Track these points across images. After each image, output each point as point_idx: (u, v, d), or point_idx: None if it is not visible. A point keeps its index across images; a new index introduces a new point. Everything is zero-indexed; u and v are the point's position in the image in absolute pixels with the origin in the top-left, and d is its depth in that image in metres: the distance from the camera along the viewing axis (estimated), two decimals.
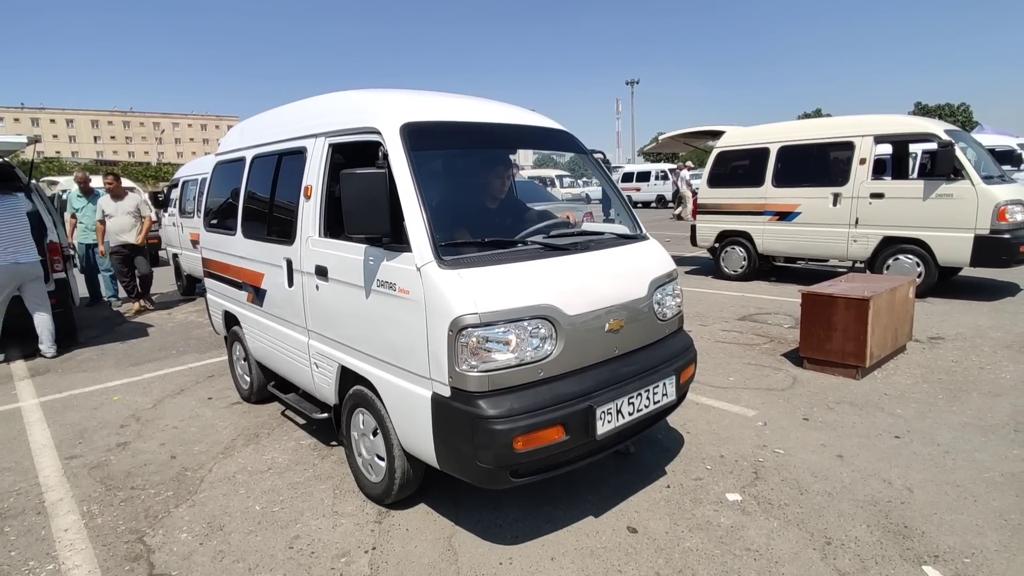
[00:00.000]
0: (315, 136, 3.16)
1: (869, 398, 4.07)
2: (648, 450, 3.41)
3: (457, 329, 2.24)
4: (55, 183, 14.39)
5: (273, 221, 3.57)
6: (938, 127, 6.88)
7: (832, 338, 4.47)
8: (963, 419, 3.68)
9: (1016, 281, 7.55)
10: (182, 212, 8.47)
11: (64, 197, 12.26)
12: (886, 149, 8.32)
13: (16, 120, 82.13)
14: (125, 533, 2.77)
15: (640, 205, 27.30)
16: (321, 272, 2.99)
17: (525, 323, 2.33)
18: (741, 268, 8.59)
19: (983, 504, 2.75)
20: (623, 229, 3.22)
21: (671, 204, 26.60)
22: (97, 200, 7.79)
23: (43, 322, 5.73)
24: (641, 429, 2.83)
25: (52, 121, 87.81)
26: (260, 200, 3.78)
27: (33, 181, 6.62)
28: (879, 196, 7.02)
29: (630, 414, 2.57)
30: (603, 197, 3.60)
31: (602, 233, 3.11)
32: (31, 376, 5.27)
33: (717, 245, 8.88)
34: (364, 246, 2.66)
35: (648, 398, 2.66)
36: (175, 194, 8.94)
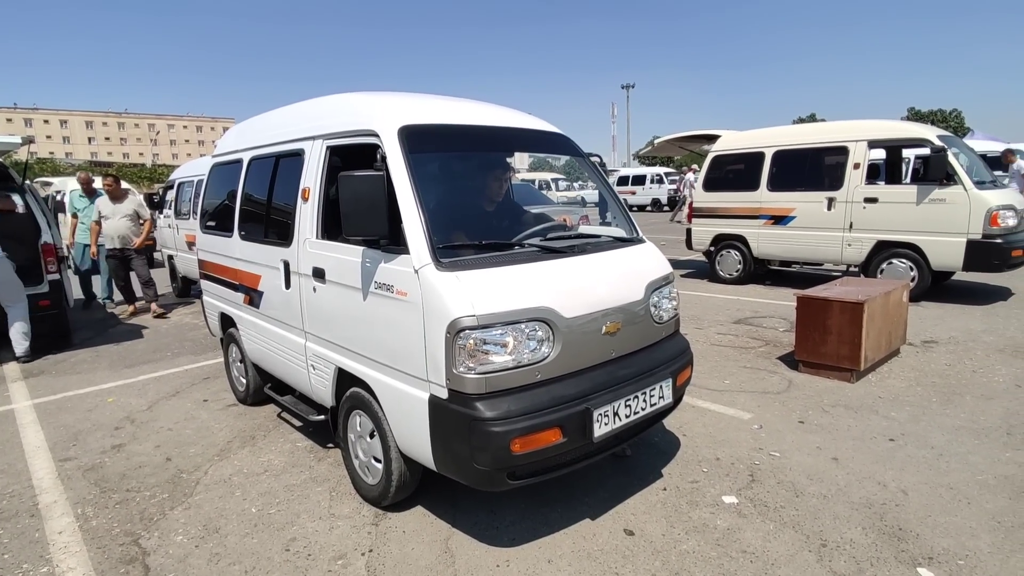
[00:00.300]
0: (313, 138, 3.16)
1: (864, 401, 4.09)
2: (645, 453, 3.42)
3: (455, 331, 2.25)
4: (49, 184, 14.30)
5: (270, 223, 3.57)
6: (931, 132, 6.94)
7: (827, 341, 4.49)
8: (956, 422, 3.71)
9: (1008, 285, 7.61)
10: (178, 214, 8.44)
11: (59, 198, 12.23)
12: (880, 154, 8.40)
13: (9, 120, 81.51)
14: (120, 535, 2.75)
15: (636, 208, 27.41)
16: (318, 274, 2.99)
17: (522, 325, 2.34)
18: (736, 272, 8.63)
19: (977, 506, 2.78)
20: (619, 232, 3.24)
21: (667, 208, 26.71)
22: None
23: (13, 318, 5.58)
24: (638, 432, 2.84)
25: (46, 122, 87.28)
26: (257, 202, 3.78)
27: (27, 182, 6.59)
28: (873, 200, 7.07)
29: (627, 416, 2.58)
30: (600, 200, 3.61)
31: (598, 236, 3.12)
32: (24, 378, 5.24)
33: (713, 249, 8.92)
34: (362, 248, 2.66)
35: (645, 401, 2.67)
36: (171, 196, 8.91)
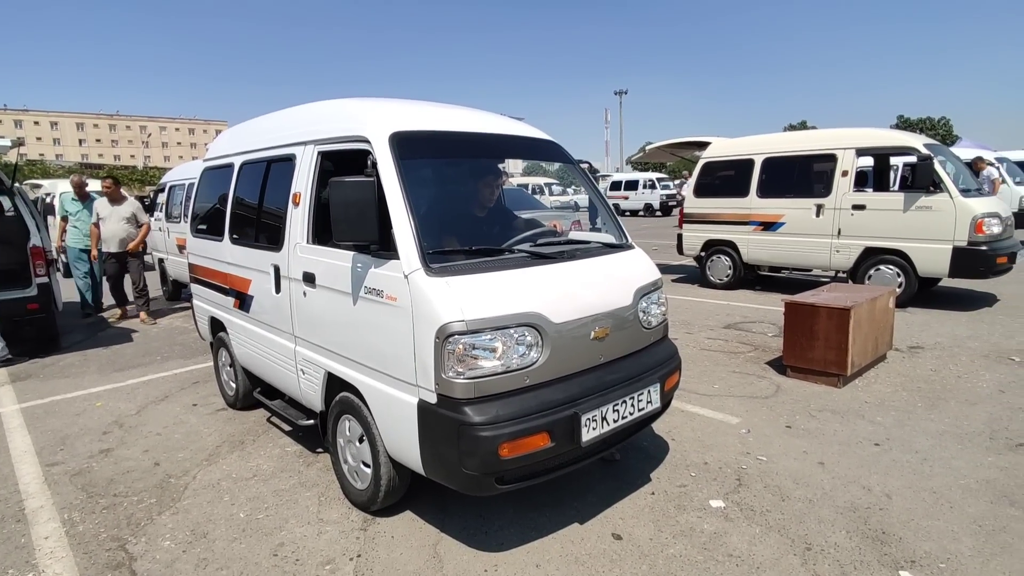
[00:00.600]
0: (304, 144, 3.17)
1: (850, 406, 4.14)
2: (633, 457, 3.44)
3: (444, 336, 2.26)
4: (39, 186, 14.19)
5: (261, 227, 3.57)
6: (918, 141, 7.04)
7: (814, 347, 4.54)
8: (940, 427, 3.76)
9: (993, 292, 7.72)
10: (168, 217, 8.41)
11: (49, 200, 12.14)
12: (868, 162, 8.49)
13: None
14: (107, 541, 2.74)
15: (628, 213, 27.57)
16: (308, 279, 3.00)
17: (511, 330, 2.36)
18: (726, 277, 8.69)
19: (959, 510, 2.82)
20: (609, 238, 3.27)
21: (659, 213, 26.83)
22: (92, 204, 7.65)
23: None
24: (626, 436, 2.86)
25: (36, 123, 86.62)
26: (248, 206, 3.78)
27: (16, 184, 6.54)
28: (861, 208, 7.15)
29: (615, 421, 2.60)
30: (590, 206, 3.65)
31: (588, 242, 3.15)
32: (12, 382, 5.20)
33: (703, 254, 8.99)
34: (352, 253, 2.67)
35: (633, 405, 2.69)
36: (161, 198, 8.87)
